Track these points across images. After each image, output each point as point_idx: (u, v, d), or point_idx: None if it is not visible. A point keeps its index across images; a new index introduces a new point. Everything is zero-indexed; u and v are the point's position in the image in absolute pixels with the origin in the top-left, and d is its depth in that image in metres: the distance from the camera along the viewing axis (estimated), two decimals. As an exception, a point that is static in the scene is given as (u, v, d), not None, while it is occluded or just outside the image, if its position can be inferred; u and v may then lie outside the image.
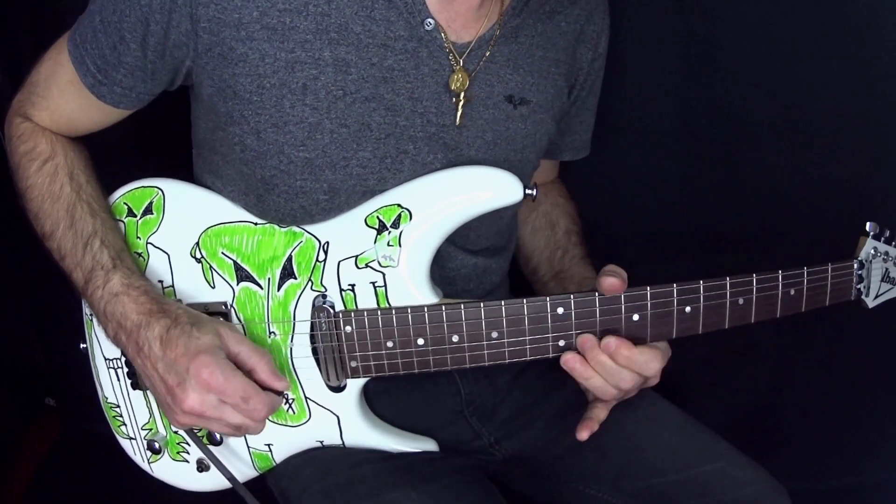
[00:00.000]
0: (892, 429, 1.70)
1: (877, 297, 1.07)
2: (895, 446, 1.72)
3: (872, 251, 1.05)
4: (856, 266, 1.04)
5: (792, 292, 1.00)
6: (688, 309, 0.96)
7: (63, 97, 1.03)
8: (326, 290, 1.00)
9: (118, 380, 1.09)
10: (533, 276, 1.27)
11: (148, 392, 1.08)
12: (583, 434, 1.06)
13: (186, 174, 1.10)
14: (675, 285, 0.96)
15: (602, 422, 1.07)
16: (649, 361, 0.97)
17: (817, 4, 1.37)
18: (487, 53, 1.02)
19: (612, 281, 0.95)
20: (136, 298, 0.94)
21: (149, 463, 1.13)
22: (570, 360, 0.97)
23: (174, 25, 0.92)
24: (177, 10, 0.91)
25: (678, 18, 1.40)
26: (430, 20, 0.97)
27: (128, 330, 0.93)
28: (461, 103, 1.00)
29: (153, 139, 1.29)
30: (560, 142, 1.24)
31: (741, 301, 0.98)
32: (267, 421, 1.05)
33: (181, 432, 1.07)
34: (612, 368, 0.97)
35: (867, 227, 1.05)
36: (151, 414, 1.09)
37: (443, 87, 0.99)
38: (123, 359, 1.07)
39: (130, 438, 1.13)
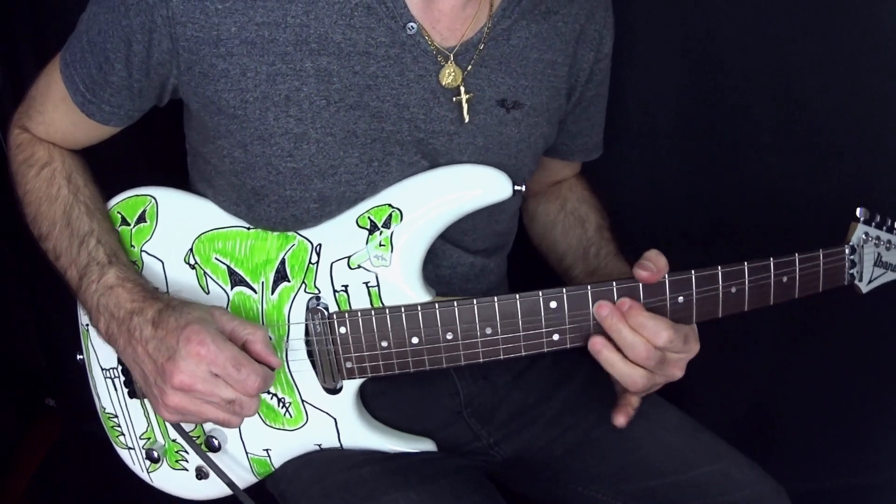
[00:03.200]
0: (891, 429, 1.69)
1: (870, 282, 1.07)
2: (895, 446, 1.71)
3: (864, 236, 1.05)
4: (847, 251, 1.04)
5: (784, 279, 1.00)
6: (681, 299, 0.97)
7: (57, 113, 1.05)
8: (320, 291, 1.00)
9: (115, 389, 1.09)
10: (567, 275, 1.23)
11: (145, 400, 1.08)
12: (620, 419, 1.04)
13: (182, 183, 1.11)
14: (666, 276, 0.96)
15: (611, 424, 1.05)
16: (659, 330, 0.93)
17: (818, 4, 1.37)
18: (476, 55, 1.00)
19: (643, 274, 0.94)
20: (130, 290, 0.95)
21: (148, 472, 1.13)
22: (597, 343, 0.95)
23: (156, 44, 0.93)
24: (156, 29, 0.92)
25: (679, 19, 1.41)
26: (412, 24, 0.96)
27: (120, 319, 0.93)
28: (464, 99, 1.00)
29: (149, 148, 1.29)
30: (570, 143, 1.23)
31: (734, 290, 0.98)
32: (264, 425, 1.05)
33: (179, 439, 1.07)
34: (627, 336, 0.94)
35: (857, 213, 1.05)
36: (149, 423, 1.09)
37: (430, 93, 0.99)
38: (120, 368, 1.07)
39: (129, 448, 1.13)
